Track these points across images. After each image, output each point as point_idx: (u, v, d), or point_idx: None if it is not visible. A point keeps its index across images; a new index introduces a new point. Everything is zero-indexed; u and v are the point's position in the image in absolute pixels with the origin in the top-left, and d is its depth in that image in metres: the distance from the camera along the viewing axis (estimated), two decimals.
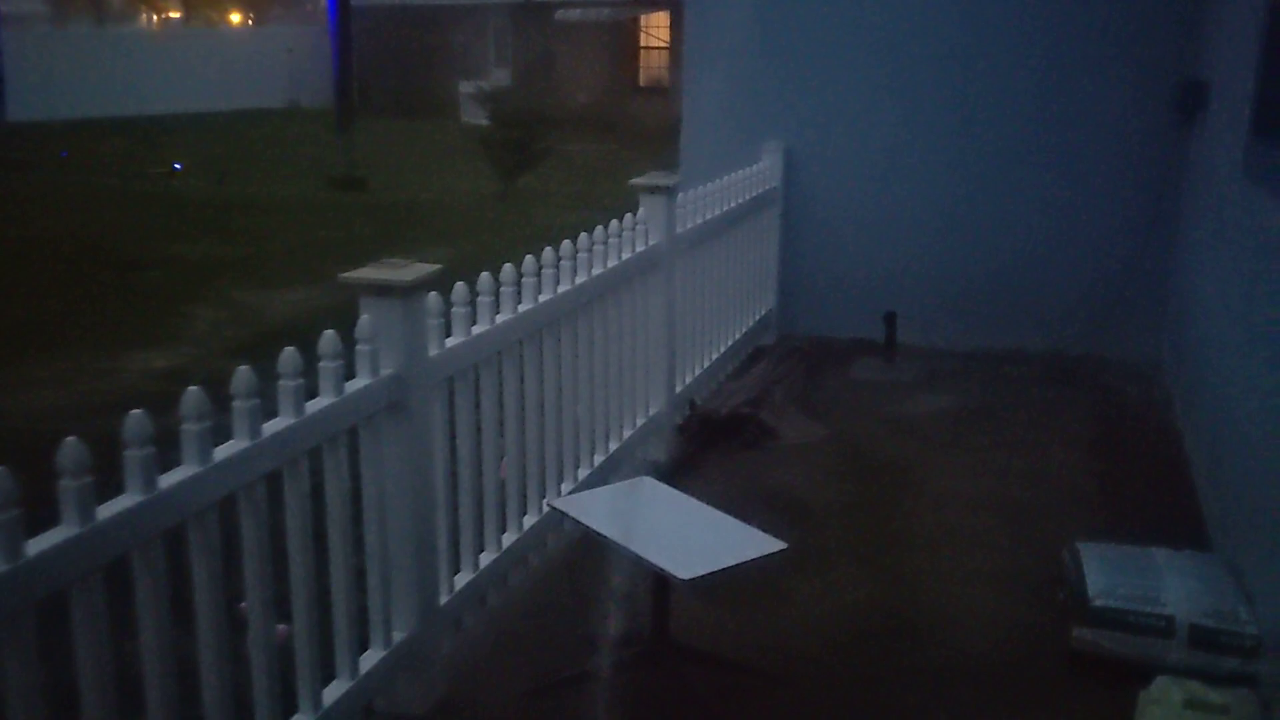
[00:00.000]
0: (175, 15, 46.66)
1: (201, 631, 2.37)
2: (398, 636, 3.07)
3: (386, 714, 3.11)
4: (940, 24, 6.55)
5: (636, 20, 24.07)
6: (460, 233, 11.78)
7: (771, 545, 3.07)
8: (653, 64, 24.20)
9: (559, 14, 24.38)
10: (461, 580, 3.43)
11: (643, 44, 24.48)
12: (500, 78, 25.14)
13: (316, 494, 2.75)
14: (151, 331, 8.17)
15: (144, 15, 47.93)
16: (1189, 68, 6.08)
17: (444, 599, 3.28)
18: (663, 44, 23.55)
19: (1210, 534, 4.24)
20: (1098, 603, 3.42)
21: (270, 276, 9.78)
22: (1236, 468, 3.97)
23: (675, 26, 21.71)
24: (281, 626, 2.70)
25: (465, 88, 24.08)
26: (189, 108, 24.77)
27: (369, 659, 2.98)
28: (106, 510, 2.08)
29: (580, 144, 18.43)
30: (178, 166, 17.17)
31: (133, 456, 2.13)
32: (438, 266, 2.97)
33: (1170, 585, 3.48)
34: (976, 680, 3.38)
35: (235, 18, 38.70)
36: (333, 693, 2.82)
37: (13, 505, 1.88)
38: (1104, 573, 3.57)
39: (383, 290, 2.85)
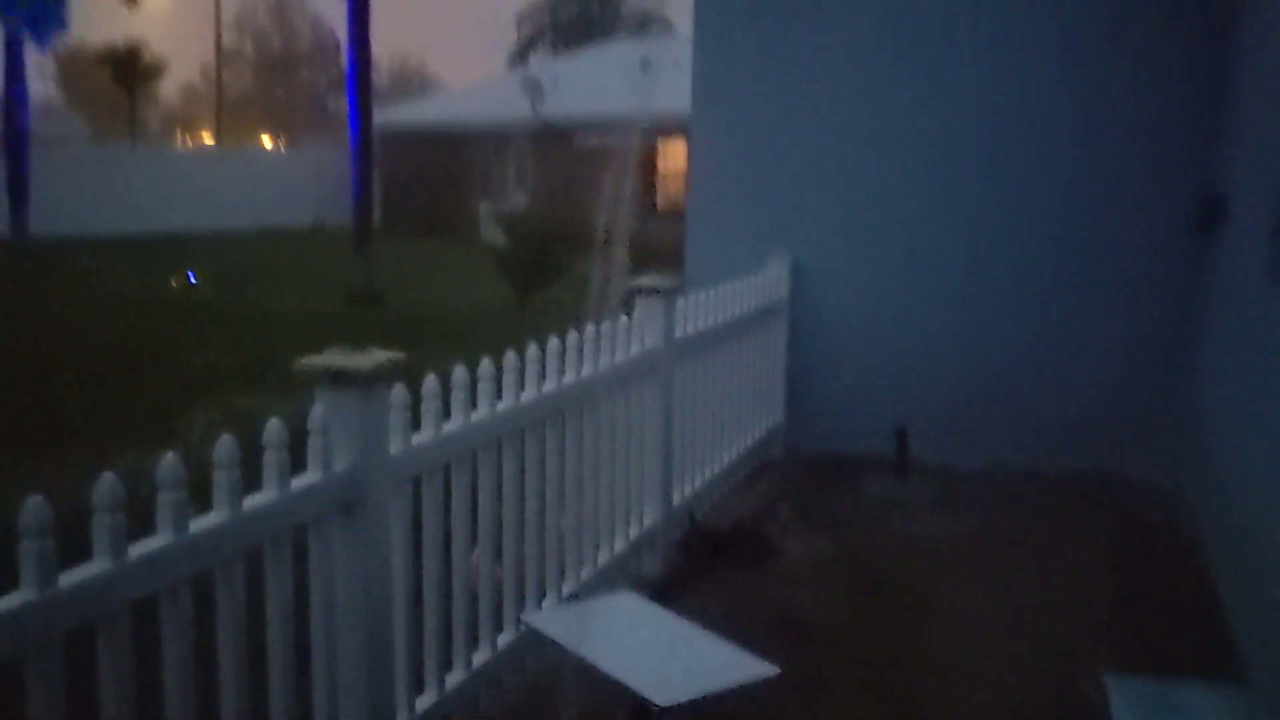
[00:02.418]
0: (208, 139, 48.08)
1: None
2: None
3: None
4: (960, 133, 6.45)
5: (655, 147, 24.48)
6: (470, 343, 11.66)
7: (761, 670, 2.78)
8: (670, 189, 24.49)
9: (578, 140, 24.83)
10: (424, 703, 3.13)
11: (660, 170, 24.83)
12: (519, 201, 25.50)
13: (260, 603, 2.50)
14: (140, 433, 7.98)
15: (178, 137, 49.39)
16: (1208, 180, 5.94)
17: None
18: (680, 170, 23.88)
19: (1243, 662, 3.89)
20: None
21: (273, 384, 9.63)
22: (1273, 592, 3.65)
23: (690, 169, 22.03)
24: None
25: (484, 209, 24.36)
26: (215, 226, 25.14)
27: None
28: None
29: (596, 264, 18.48)
30: (192, 279, 17.28)
31: (29, 548, 1.90)
32: (400, 356, 2.77)
33: None
34: None
35: (266, 140, 39.74)
36: None
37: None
38: (1132, 710, 3.24)
39: (338, 379, 2.65)
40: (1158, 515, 5.65)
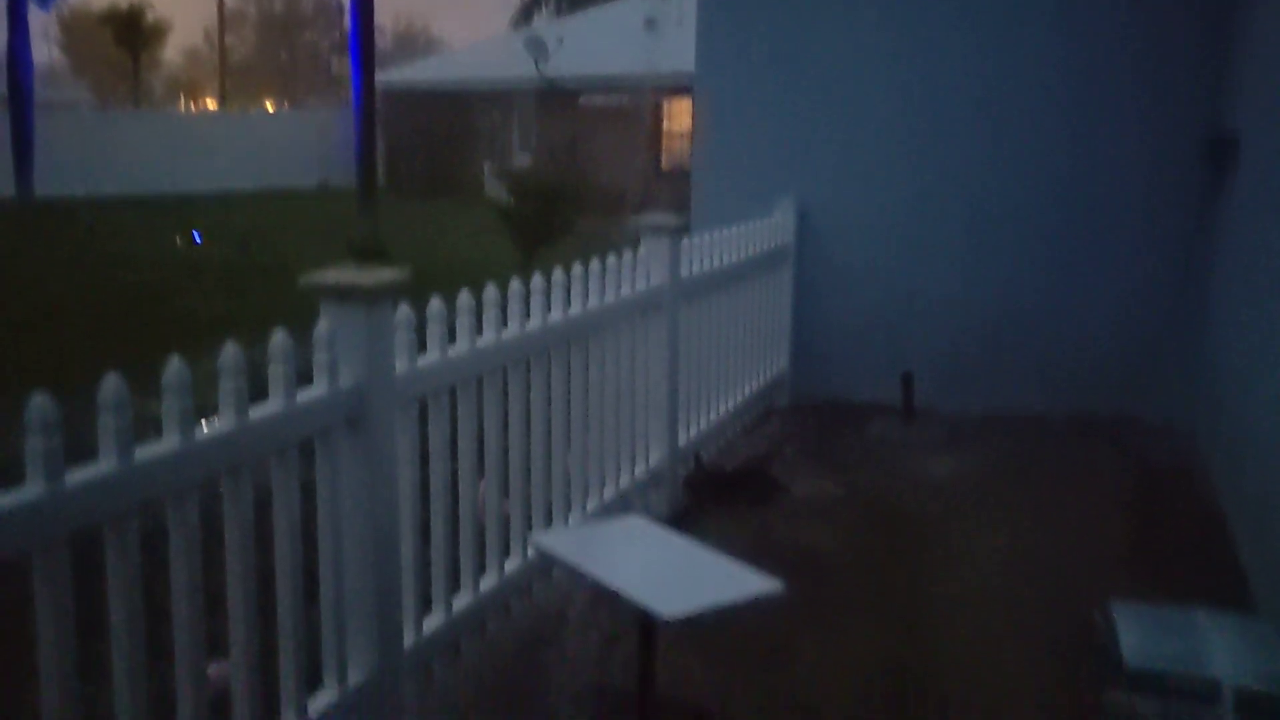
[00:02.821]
0: (212, 104, 47.85)
1: (115, 663, 2.10)
2: (354, 679, 2.78)
3: None
4: (960, 77, 6.40)
5: (660, 106, 24.31)
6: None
7: (766, 586, 2.77)
8: (675, 149, 24.35)
9: (583, 99, 24.66)
10: (431, 624, 3.14)
11: (666, 129, 24.67)
12: (524, 160, 25.38)
13: (266, 514, 2.50)
14: (150, 376, 8.00)
15: (182, 102, 49.17)
16: (1218, 120, 5.88)
17: (409, 642, 2.99)
18: (685, 129, 23.72)
19: (1255, 596, 3.89)
20: (1134, 664, 3.08)
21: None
22: None
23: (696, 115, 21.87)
24: (215, 666, 2.42)
25: (488, 169, 24.25)
26: (220, 188, 25.08)
27: (320, 700, 2.68)
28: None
29: (602, 223, 18.43)
30: (197, 237, 17.25)
31: (35, 445, 1.90)
32: (405, 274, 2.75)
33: (1214, 646, 3.14)
34: None
35: (269, 104, 39.53)
36: None
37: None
38: (1140, 633, 3.24)
39: (344, 294, 2.63)
40: (1166, 454, 5.64)
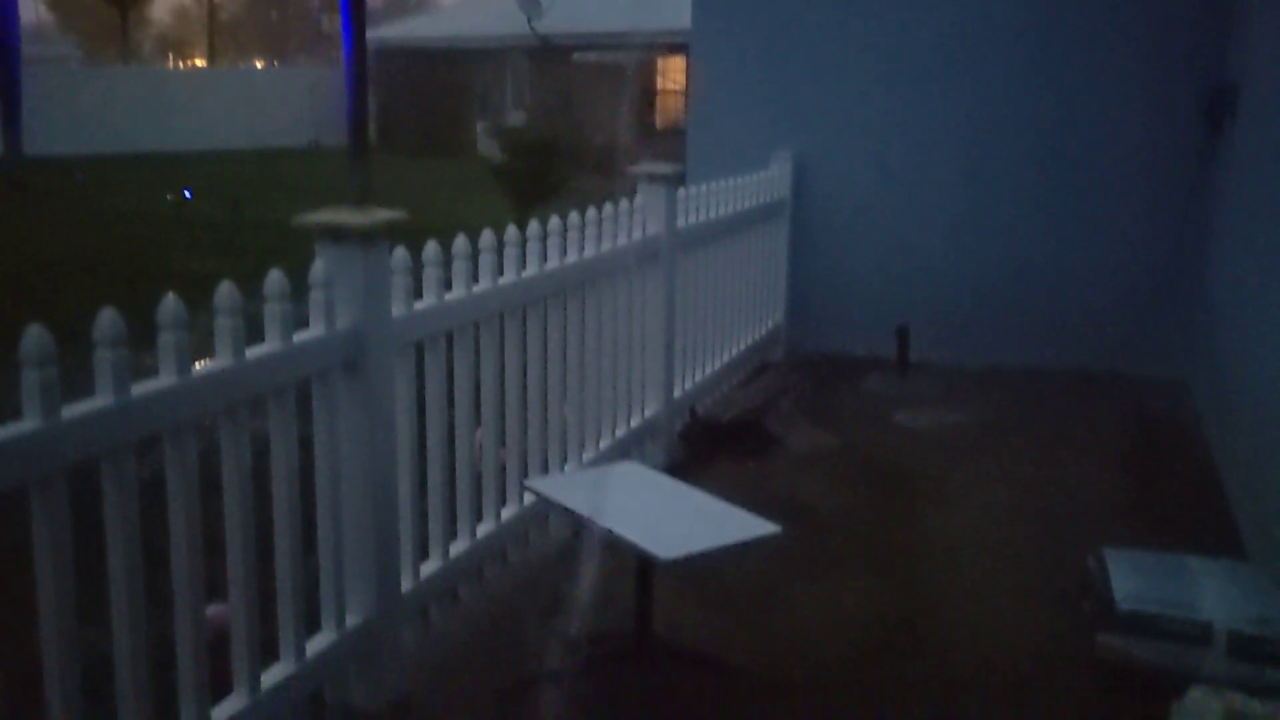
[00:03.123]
0: (200, 61, 47.36)
1: (114, 601, 2.10)
2: (351, 621, 2.78)
3: (338, 707, 2.82)
4: (956, 29, 6.35)
5: (654, 64, 24.11)
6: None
7: (763, 528, 2.79)
8: (670, 107, 24.18)
9: (576, 56, 24.45)
10: (429, 569, 3.14)
11: (660, 87, 24.49)
12: (517, 118, 25.19)
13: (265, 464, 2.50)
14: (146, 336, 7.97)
15: (170, 60, 48.65)
16: (1216, 72, 5.84)
17: (406, 586, 3.00)
18: (679, 88, 23.54)
19: (1246, 545, 3.92)
20: (1126, 606, 3.11)
21: None
22: (1277, 477, 3.67)
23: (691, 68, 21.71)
24: (214, 608, 2.42)
25: (481, 126, 24.06)
26: (209, 146, 24.86)
27: (318, 643, 2.69)
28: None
29: (595, 181, 18.34)
30: (188, 194, 17.12)
31: (31, 377, 1.88)
32: (400, 214, 2.73)
33: (1206, 591, 3.17)
34: (993, 692, 3.07)
35: (259, 63, 39.10)
36: (273, 676, 2.54)
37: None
38: (1132, 577, 3.26)
39: (339, 234, 2.61)
40: (1161, 408, 5.66)
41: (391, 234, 2.74)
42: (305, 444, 2.61)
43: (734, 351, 5.81)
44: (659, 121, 24.48)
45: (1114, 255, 6.24)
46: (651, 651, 2.94)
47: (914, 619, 3.49)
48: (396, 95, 27.59)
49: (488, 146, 21.17)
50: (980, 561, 3.92)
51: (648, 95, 24.62)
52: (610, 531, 2.67)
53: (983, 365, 6.30)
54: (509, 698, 2.92)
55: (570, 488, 3.14)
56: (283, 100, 28.49)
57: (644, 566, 2.84)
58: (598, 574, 3.64)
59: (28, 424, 1.87)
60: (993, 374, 6.23)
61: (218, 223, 14.24)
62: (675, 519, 2.88)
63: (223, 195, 17.11)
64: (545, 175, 14.75)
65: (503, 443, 3.55)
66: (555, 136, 16.23)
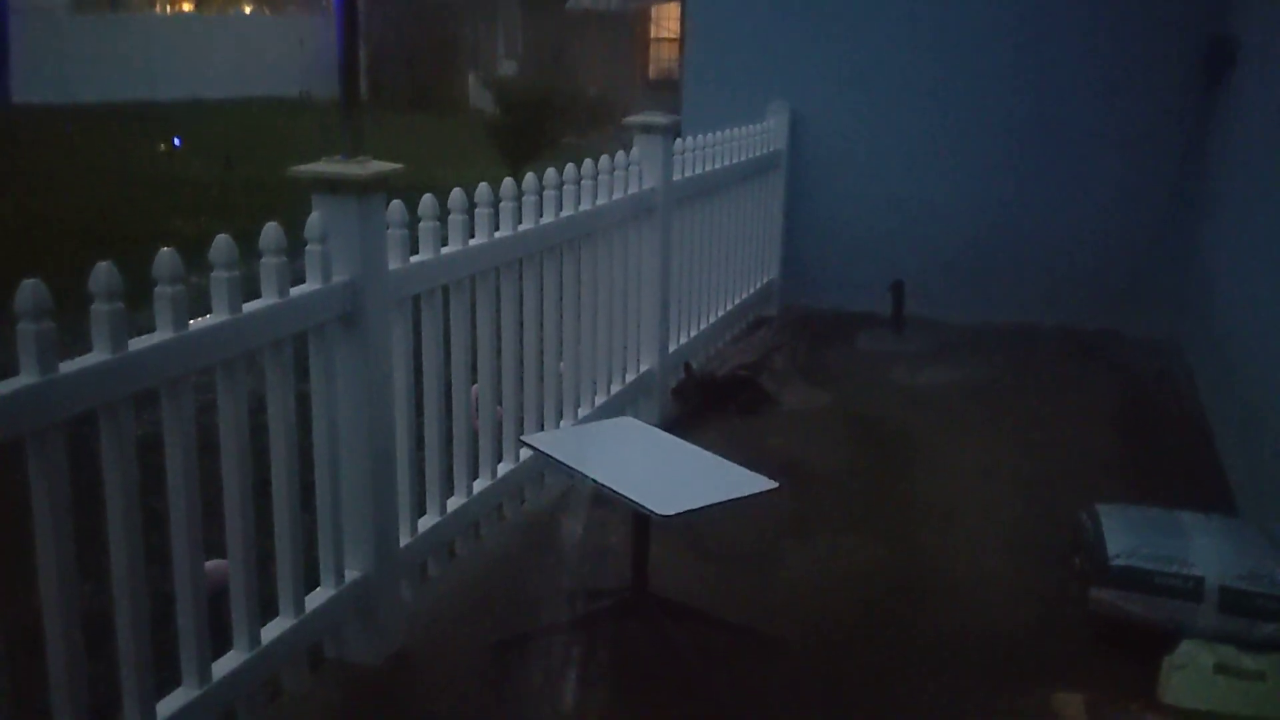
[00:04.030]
0: (188, 6, 46.66)
1: (113, 555, 2.09)
2: (350, 576, 2.79)
3: (337, 662, 2.84)
4: None
5: (648, 12, 23.84)
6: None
7: (761, 484, 2.79)
8: (664, 57, 23.94)
9: (569, 4, 24.17)
10: (426, 524, 3.15)
11: (654, 36, 24.24)
12: (509, 69, 24.94)
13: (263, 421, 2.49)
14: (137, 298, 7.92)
15: (159, 5, 47.89)
16: (1214, 24, 5.78)
17: (404, 541, 3.01)
18: (674, 37, 23.29)
19: (1239, 502, 3.94)
20: (1118, 562, 3.13)
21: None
22: (1273, 433, 3.68)
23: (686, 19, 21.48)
24: (212, 563, 2.42)
25: (474, 79, 23.83)
26: (200, 94, 24.58)
27: (316, 597, 2.70)
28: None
29: (589, 135, 18.18)
30: (177, 143, 16.94)
31: (27, 330, 1.86)
32: (397, 166, 2.70)
33: (1198, 546, 3.18)
34: (987, 646, 3.10)
35: (247, 9, 38.53)
36: (273, 630, 2.55)
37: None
38: (1125, 533, 3.27)
39: (335, 186, 2.59)
40: (1155, 367, 5.67)
41: (388, 186, 2.71)
42: (303, 399, 2.60)
43: (729, 306, 5.79)
44: (653, 72, 24.25)
45: (1108, 215, 6.22)
46: (647, 606, 2.96)
47: (909, 575, 3.52)
48: (387, 46, 27.27)
49: (480, 99, 20.98)
50: (974, 518, 3.95)
51: (642, 45, 24.37)
52: (607, 487, 2.67)
53: (977, 321, 6.30)
54: (506, 652, 2.94)
55: (567, 443, 3.14)
56: (273, 49, 28.12)
57: (640, 522, 2.85)
58: (594, 530, 3.66)
59: (25, 378, 1.86)
60: (987, 330, 6.23)
61: (210, 180, 14.09)
62: (672, 475, 2.88)
63: (213, 148, 16.94)
64: (539, 131, 14.64)
65: (499, 399, 3.55)
66: (549, 94, 16.05)
